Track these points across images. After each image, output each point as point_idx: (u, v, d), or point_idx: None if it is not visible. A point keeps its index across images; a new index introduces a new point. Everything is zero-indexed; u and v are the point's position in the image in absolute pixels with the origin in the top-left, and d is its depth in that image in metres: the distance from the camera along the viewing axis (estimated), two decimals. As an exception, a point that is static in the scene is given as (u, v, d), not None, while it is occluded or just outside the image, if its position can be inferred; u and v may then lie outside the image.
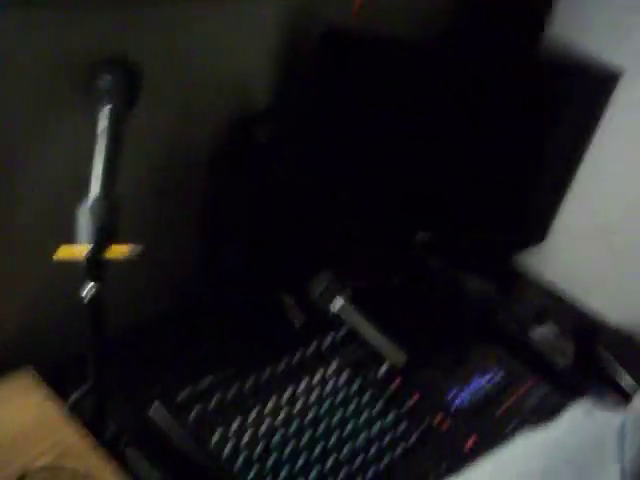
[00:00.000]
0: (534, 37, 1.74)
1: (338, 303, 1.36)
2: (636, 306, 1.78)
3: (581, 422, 0.31)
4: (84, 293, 1.03)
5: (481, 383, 1.40)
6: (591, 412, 0.32)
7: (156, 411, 1.12)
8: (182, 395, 1.15)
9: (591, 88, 1.67)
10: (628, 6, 1.58)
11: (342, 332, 1.35)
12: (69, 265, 1.04)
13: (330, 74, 1.36)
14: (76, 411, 1.19)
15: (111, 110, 1.04)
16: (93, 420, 1.17)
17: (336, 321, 1.36)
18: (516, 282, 1.89)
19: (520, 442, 0.33)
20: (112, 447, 1.15)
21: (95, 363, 1.12)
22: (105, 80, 1.04)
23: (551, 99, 1.66)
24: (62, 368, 1.26)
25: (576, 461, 0.29)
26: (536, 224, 1.86)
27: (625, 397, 1.55)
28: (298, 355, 1.27)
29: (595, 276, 1.83)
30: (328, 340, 1.33)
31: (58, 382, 1.23)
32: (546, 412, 1.36)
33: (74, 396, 1.22)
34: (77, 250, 1.01)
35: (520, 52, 1.76)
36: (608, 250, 1.79)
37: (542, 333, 1.67)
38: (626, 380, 1.60)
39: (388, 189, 1.59)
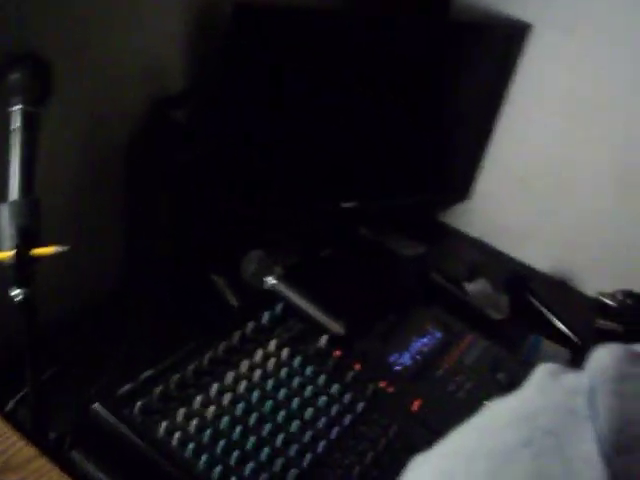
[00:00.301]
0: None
1: (271, 280, 1.35)
2: (563, 253, 1.81)
3: (548, 387, 0.31)
4: (15, 298, 1.00)
5: (421, 345, 1.41)
6: (556, 375, 0.31)
7: (97, 411, 1.10)
8: (122, 391, 1.13)
9: (501, 44, 1.69)
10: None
11: (278, 309, 1.34)
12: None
13: (242, 47, 1.34)
14: (14, 419, 1.17)
15: (22, 108, 1.01)
16: (33, 427, 1.15)
17: (271, 299, 1.35)
18: (445, 241, 1.91)
19: (488, 414, 0.32)
20: (56, 452, 1.13)
21: (31, 367, 1.09)
22: (14, 77, 1.01)
23: (463, 57, 1.68)
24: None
25: (551, 428, 0.28)
26: (459, 182, 1.88)
27: (561, 343, 1.58)
28: (237, 336, 1.26)
29: (522, 228, 1.86)
30: (265, 318, 1.32)
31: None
32: (487, 365, 1.38)
33: (10, 404, 1.20)
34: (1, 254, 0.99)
35: (430, 13, 1.76)
36: (531, 201, 1.81)
37: (475, 289, 1.69)
38: (559, 326, 1.63)
39: (309, 162, 1.58)
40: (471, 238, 1.92)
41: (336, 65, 1.49)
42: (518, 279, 1.75)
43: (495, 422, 0.33)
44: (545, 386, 0.33)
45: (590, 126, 1.65)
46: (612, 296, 1.65)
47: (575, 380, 0.31)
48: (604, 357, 0.31)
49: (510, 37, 1.68)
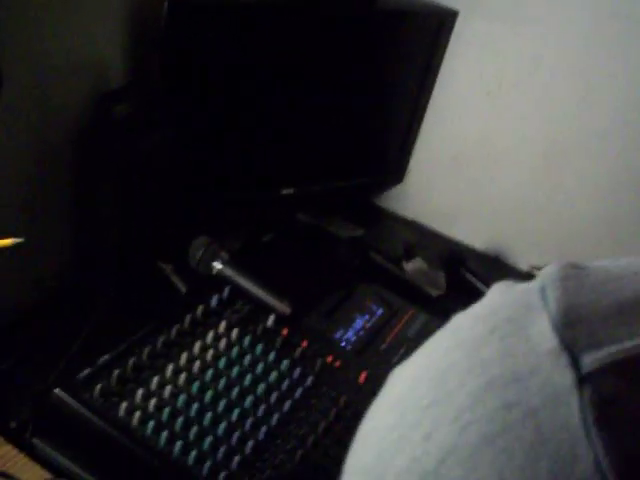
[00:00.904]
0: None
1: (217, 266, 1.40)
2: (496, 229, 1.88)
3: (505, 291, 0.36)
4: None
5: (364, 321, 1.46)
6: (511, 284, 0.37)
7: (58, 395, 1.13)
8: (81, 377, 1.16)
9: (429, 30, 1.74)
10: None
11: (226, 293, 1.38)
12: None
13: (177, 42, 1.37)
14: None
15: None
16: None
17: (218, 283, 1.40)
18: (382, 223, 1.97)
19: (456, 319, 0.37)
20: (19, 440, 1.16)
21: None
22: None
23: (392, 43, 1.73)
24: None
25: (511, 317, 0.33)
26: (393, 165, 1.94)
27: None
28: (187, 320, 1.30)
29: (454, 207, 1.92)
30: (214, 302, 1.36)
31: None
32: (428, 337, 1.45)
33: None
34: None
35: (360, 3, 1.82)
36: (463, 181, 1.88)
37: (413, 267, 1.75)
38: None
39: (247, 150, 1.63)
40: (407, 219, 1.97)
41: (268, 54, 1.54)
42: (453, 256, 1.82)
43: (463, 322, 0.39)
44: (503, 291, 0.39)
45: (514, 104, 1.72)
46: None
47: (528, 284, 0.38)
48: (551, 266, 0.37)
49: (438, 23, 1.73)
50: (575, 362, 0.31)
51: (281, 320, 1.37)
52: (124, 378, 1.17)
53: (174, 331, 1.28)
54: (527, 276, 1.71)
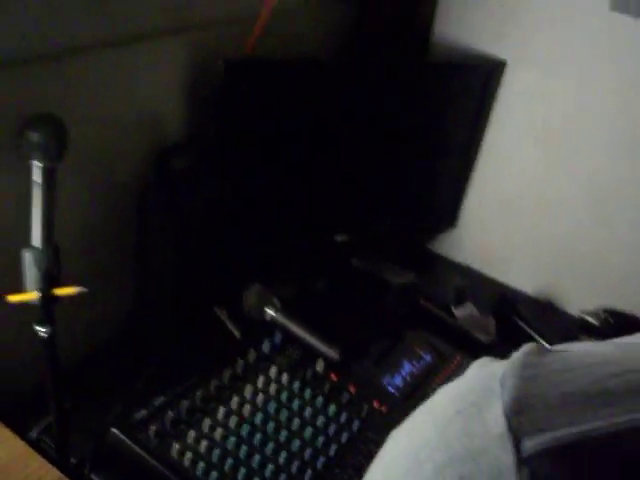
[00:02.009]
0: (423, 42, 1.87)
1: (269, 312, 1.46)
2: (547, 275, 1.91)
3: (477, 373, 0.41)
4: (40, 334, 1.12)
5: (412, 367, 1.51)
6: (485, 364, 0.42)
7: (115, 435, 1.20)
8: (137, 417, 1.23)
9: (479, 80, 1.79)
10: (503, 3, 1.72)
11: (277, 338, 1.44)
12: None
13: (233, 98, 1.44)
14: (38, 446, 1.28)
15: (41, 165, 1.12)
16: (57, 452, 1.25)
17: (270, 328, 1.46)
18: (434, 268, 2.01)
19: (438, 395, 0.43)
20: (77, 476, 1.23)
21: (54, 398, 1.20)
22: (34, 137, 1.12)
23: (445, 93, 1.79)
24: (18, 410, 1.34)
25: (475, 401, 0.38)
26: (446, 211, 1.98)
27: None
28: (240, 364, 1.36)
29: (506, 252, 1.95)
30: (265, 347, 1.42)
31: (16, 421, 1.30)
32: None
33: (36, 431, 1.30)
34: (27, 295, 1.10)
35: (412, 56, 1.88)
36: (514, 226, 1.92)
37: (463, 313, 1.78)
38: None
39: (303, 198, 1.69)
40: (458, 264, 2.02)
41: (323, 108, 1.60)
42: (504, 302, 1.85)
43: (441, 400, 0.45)
44: (475, 373, 0.45)
45: (561, 151, 1.76)
46: (595, 315, 1.73)
47: (496, 367, 0.43)
48: (518, 352, 0.43)
49: (487, 74, 1.78)
50: (517, 445, 0.36)
51: (330, 365, 1.42)
52: (177, 420, 1.24)
53: (227, 375, 1.34)
54: (578, 322, 1.74)
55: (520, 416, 0.38)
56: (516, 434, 0.37)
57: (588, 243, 1.82)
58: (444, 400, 0.45)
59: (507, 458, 0.37)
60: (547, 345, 0.46)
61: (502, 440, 0.37)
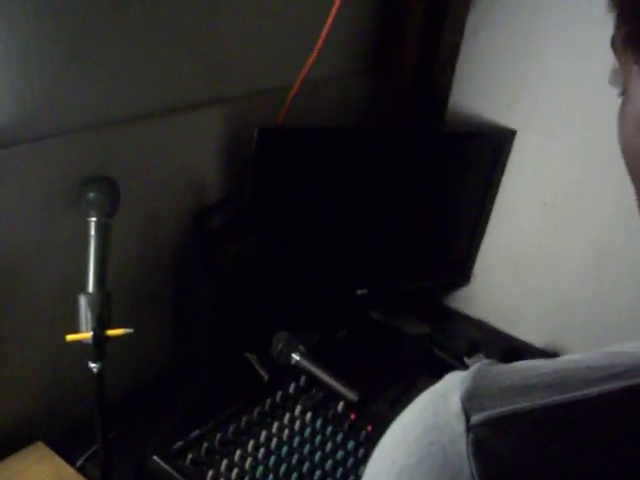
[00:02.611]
0: (440, 109, 2.02)
1: (295, 357, 1.60)
2: (554, 329, 2.03)
3: (444, 380, 0.59)
4: (93, 370, 1.26)
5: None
6: (455, 373, 0.60)
7: (156, 462, 1.34)
8: (176, 447, 1.37)
9: (491, 147, 1.94)
10: (514, 76, 1.87)
11: (302, 381, 1.58)
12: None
13: (266, 163, 1.59)
14: (84, 472, 1.42)
15: (97, 221, 1.28)
16: (101, 478, 1.39)
17: (296, 372, 1.60)
18: (448, 321, 2.13)
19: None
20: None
21: (100, 428, 1.34)
22: (91, 195, 1.28)
23: (459, 160, 1.93)
24: (65, 439, 1.48)
25: (438, 398, 0.57)
26: (459, 268, 2.12)
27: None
28: (268, 403, 1.51)
29: (516, 307, 2.07)
30: (291, 388, 1.56)
31: (64, 451, 1.44)
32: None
33: (82, 459, 1.44)
34: (82, 335, 1.25)
35: (430, 124, 2.04)
36: (524, 283, 2.04)
37: (475, 362, 1.90)
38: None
39: (327, 255, 1.84)
40: (471, 318, 2.13)
41: (348, 172, 1.75)
42: (513, 353, 1.97)
43: (422, 396, 0.61)
44: (447, 378, 0.61)
45: (568, 215, 1.88)
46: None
47: (460, 373, 0.59)
48: (477, 364, 0.59)
49: (499, 142, 1.92)
50: (467, 419, 0.53)
51: (350, 406, 1.55)
52: (212, 450, 1.38)
53: (256, 412, 1.48)
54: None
55: (470, 401, 0.55)
56: (467, 412, 0.54)
57: (591, 300, 1.92)
58: (424, 396, 0.60)
59: (460, 427, 0.53)
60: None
61: (458, 416, 0.54)
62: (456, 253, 2.09)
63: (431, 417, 0.57)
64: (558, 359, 0.61)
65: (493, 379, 0.58)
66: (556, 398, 0.54)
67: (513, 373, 0.58)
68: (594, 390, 0.55)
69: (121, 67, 1.36)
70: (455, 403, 0.55)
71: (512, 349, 1.99)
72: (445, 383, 0.60)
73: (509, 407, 0.54)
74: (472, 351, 1.94)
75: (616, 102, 0.70)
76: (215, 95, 1.57)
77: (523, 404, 0.54)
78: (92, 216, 1.29)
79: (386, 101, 2.06)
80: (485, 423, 0.53)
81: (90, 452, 1.44)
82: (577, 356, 0.61)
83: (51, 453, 1.42)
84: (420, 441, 0.56)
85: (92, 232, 1.29)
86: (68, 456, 1.44)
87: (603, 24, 0.69)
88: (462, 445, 0.53)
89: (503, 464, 0.52)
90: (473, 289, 2.14)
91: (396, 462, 0.57)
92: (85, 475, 1.40)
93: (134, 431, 1.51)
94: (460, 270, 2.11)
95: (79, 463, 1.44)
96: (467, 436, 0.53)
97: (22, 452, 1.41)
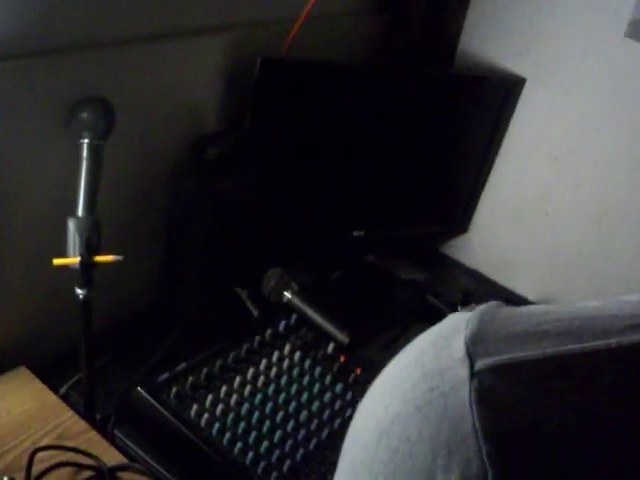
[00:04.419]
0: (449, 53, 1.97)
1: (287, 295, 1.57)
2: (550, 283, 2.01)
3: (449, 319, 0.55)
4: (79, 296, 1.23)
5: (415, 356, 1.61)
6: (459, 314, 0.56)
7: (139, 394, 1.31)
8: (160, 380, 1.34)
9: (499, 94, 1.90)
10: (526, 24, 1.82)
11: (293, 320, 1.55)
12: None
13: (268, 94, 1.55)
14: (67, 400, 1.39)
15: (89, 142, 1.24)
16: (85, 407, 1.37)
17: (287, 310, 1.57)
18: (444, 269, 2.11)
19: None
20: (103, 429, 1.35)
21: (85, 357, 1.31)
22: (83, 117, 1.24)
23: (465, 104, 1.89)
24: (50, 365, 1.45)
25: (440, 340, 0.52)
26: (459, 216, 2.09)
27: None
28: (257, 340, 1.48)
29: (513, 259, 2.05)
30: (281, 327, 1.53)
31: (47, 378, 1.42)
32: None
33: (65, 387, 1.42)
34: (69, 260, 1.22)
35: (438, 65, 1.99)
36: (523, 235, 2.02)
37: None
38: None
39: (325, 195, 1.80)
40: (467, 267, 2.11)
41: (350, 110, 1.70)
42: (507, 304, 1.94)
43: (422, 337, 0.57)
44: (450, 318, 0.57)
45: (572, 169, 1.85)
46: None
47: (464, 314, 0.55)
48: (485, 304, 0.55)
49: (507, 89, 1.88)
50: (472, 365, 0.49)
51: (340, 348, 1.53)
52: (197, 385, 1.35)
53: (244, 349, 1.45)
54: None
55: (475, 345, 0.50)
56: (471, 357, 0.50)
57: (591, 256, 1.91)
58: (424, 337, 0.56)
59: (464, 373, 0.49)
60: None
61: (461, 361, 0.50)
62: (457, 200, 2.06)
63: (431, 361, 0.53)
64: (575, 305, 0.57)
65: (502, 322, 0.53)
66: (572, 347, 0.50)
67: (524, 317, 0.54)
68: (614, 340, 0.51)
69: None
70: (459, 347, 0.51)
71: (507, 302, 1.95)
72: (448, 324, 0.56)
73: (519, 353, 0.50)
74: (466, 300, 1.91)
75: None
76: (217, 22, 1.52)
77: (535, 351, 0.50)
78: (84, 137, 1.24)
79: (394, 42, 2.01)
80: (491, 369, 0.49)
81: (74, 380, 1.42)
82: (596, 303, 0.57)
83: (34, 378, 1.40)
84: (418, 387, 0.52)
85: (84, 154, 1.25)
86: (52, 383, 1.42)
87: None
88: (465, 393, 0.48)
89: (510, 415, 0.48)
90: (471, 238, 2.11)
91: (390, 408, 0.53)
92: (68, 403, 1.38)
93: (119, 362, 1.49)
94: (459, 218, 2.08)
95: (62, 391, 1.42)
96: (470, 383, 0.48)
97: (4, 376, 1.39)
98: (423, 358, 0.54)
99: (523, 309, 0.56)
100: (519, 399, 0.48)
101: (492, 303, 0.56)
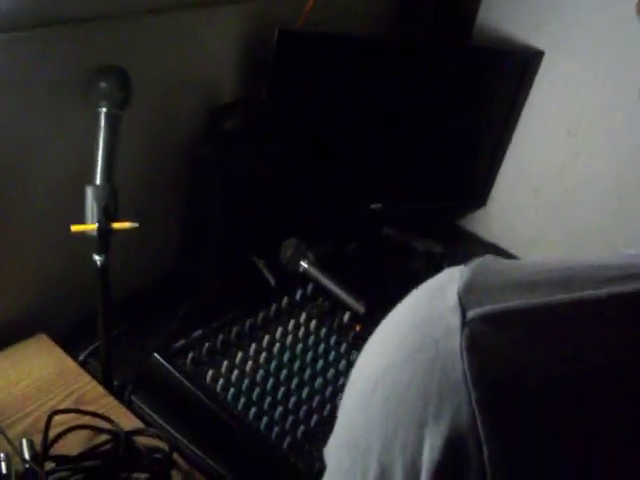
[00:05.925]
0: (467, 26, 1.97)
1: (304, 264, 1.58)
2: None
3: (446, 271, 0.56)
4: (97, 262, 1.25)
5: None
6: (457, 267, 0.57)
7: (156, 360, 1.33)
8: (177, 346, 1.36)
9: (517, 66, 1.89)
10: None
11: (309, 289, 1.57)
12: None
13: (284, 66, 1.56)
14: (85, 367, 1.42)
15: (107, 112, 1.26)
16: (103, 374, 1.39)
17: (303, 279, 1.58)
18: (461, 243, 2.11)
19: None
20: (120, 395, 1.37)
21: (103, 324, 1.33)
22: (102, 86, 1.25)
23: (484, 77, 1.89)
24: (69, 333, 1.48)
25: (435, 290, 0.53)
26: (477, 190, 2.09)
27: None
28: (273, 308, 1.49)
29: (531, 234, 2.05)
30: (298, 295, 1.55)
31: (67, 345, 1.44)
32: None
33: (84, 354, 1.44)
34: (87, 226, 1.24)
35: (456, 38, 1.99)
36: (541, 210, 2.02)
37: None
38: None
39: (344, 167, 1.81)
40: (485, 241, 2.12)
41: (368, 83, 1.71)
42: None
43: (419, 288, 0.58)
44: (445, 270, 0.58)
45: (590, 144, 1.85)
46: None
47: (459, 267, 0.56)
48: (482, 257, 0.56)
49: (525, 62, 1.88)
50: (463, 313, 0.51)
51: (355, 317, 1.54)
52: (213, 351, 1.37)
53: (260, 317, 1.47)
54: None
55: (468, 294, 0.52)
56: (464, 306, 0.51)
57: (610, 229, 1.91)
58: (419, 288, 0.58)
59: (456, 321, 0.51)
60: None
61: (454, 310, 0.52)
62: (475, 174, 2.07)
63: (425, 310, 0.55)
64: (571, 257, 0.58)
65: (495, 273, 0.55)
66: (562, 297, 0.52)
67: (518, 269, 0.56)
68: (604, 291, 0.52)
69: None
70: (452, 296, 0.53)
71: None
72: (443, 275, 0.57)
73: (510, 303, 0.52)
74: (483, 273, 1.91)
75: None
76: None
77: (525, 301, 0.52)
78: (102, 106, 1.26)
79: (411, 15, 2.01)
80: (482, 318, 0.51)
81: (92, 347, 1.44)
82: (592, 257, 0.58)
83: (53, 345, 1.42)
84: (411, 335, 0.54)
85: (102, 123, 1.26)
86: (71, 350, 1.44)
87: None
88: (456, 340, 0.50)
89: (499, 362, 0.50)
90: (489, 212, 2.12)
91: (385, 355, 0.56)
92: (86, 369, 1.40)
93: (137, 330, 1.51)
94: (478, 192, 2.09)
95: (81, 357, 1.44)
96: (462, 331, 0.50)
97: (24, 342, 1.41)
98: (418, 307, 0.55)
99: (518, 261, 0.58)
100: (507, 348, 0.50)
101: (488, 256, 0.57)
